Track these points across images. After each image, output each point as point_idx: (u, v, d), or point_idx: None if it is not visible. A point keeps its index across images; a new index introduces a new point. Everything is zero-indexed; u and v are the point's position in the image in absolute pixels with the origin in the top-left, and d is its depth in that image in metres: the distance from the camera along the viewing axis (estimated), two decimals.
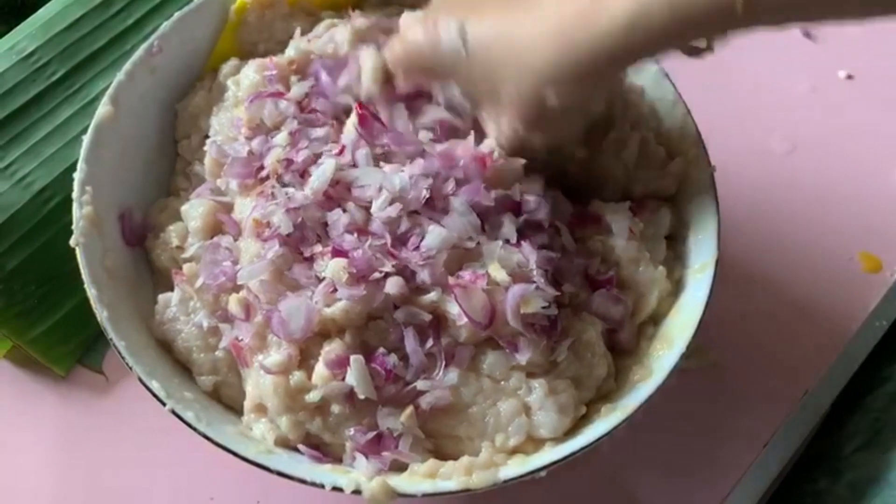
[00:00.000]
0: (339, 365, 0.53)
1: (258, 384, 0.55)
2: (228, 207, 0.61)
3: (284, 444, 0.56)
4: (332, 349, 0.54)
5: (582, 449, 0.52)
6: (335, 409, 0.54)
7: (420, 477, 0.52)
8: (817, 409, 0.71)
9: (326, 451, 0.56)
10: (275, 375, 0.54)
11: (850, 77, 0.87)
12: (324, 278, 0.54)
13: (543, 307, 0.54)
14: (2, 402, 0.69)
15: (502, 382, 0.55)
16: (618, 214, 0.60)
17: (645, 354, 0.59)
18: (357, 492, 0.51)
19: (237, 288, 0.57)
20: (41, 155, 0.70)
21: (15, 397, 0.69)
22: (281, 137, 0.60)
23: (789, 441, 0.69)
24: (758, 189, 0.79)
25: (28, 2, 0.83)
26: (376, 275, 0.54)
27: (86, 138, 0.61)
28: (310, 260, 0.56)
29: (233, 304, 0.56)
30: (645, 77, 0.67)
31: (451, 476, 0.52)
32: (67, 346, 0.69)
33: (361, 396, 0.53)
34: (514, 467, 0.53)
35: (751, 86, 0.86)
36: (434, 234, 0.55)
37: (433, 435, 0.55)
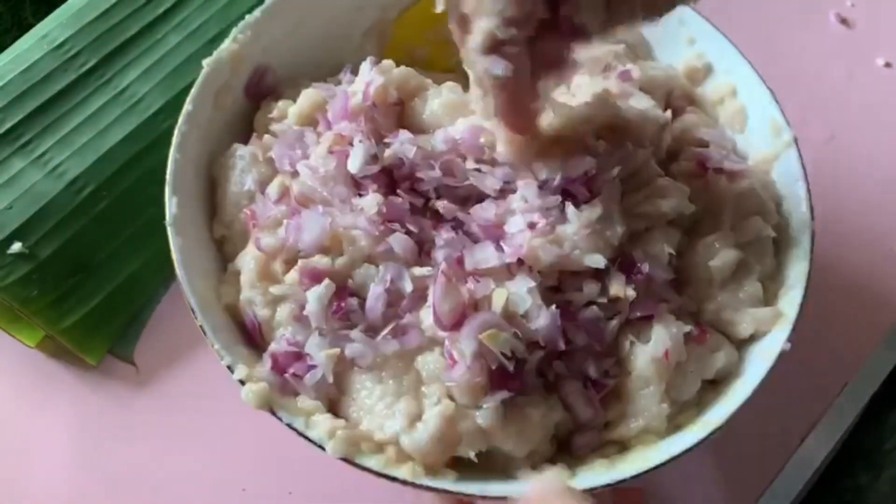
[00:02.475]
0: (312, 277, 0.55)
1: (246, 253, 0.59)
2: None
3: (232, 310, 0.58)
4: (316, 262, 0.55)
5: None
6: (283, 308, 0.56)
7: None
8: (857, 401, 0.69)
9: (261, 334, 0.57)
10: (261, 253, 0.57)
11: (888, 65, 0.86)
12: (360, 209, 0.56)
13: (504, 354, 0.51)
14: (34, 391, 0.69)
15: (422, 387, 0.53)
16: (668, 327, 0.55)
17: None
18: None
19: (294, 175, 0.60)
20: (74, 144, 0.70)
21: (46, 387, 0.69)
22: None
23: (828, 435, 0.68)
24: None
25: None
26: (398, 227, 0.55)
27: None
28: (359, 187, 0.58)
29: (274, 185, 0.60)
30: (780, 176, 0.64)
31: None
32: (99, 335, 0.69)
33: (306, 313, 0.54)
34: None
35: (787, 75, 0.84)
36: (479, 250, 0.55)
37: (341, 388, 0.55)
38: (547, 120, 0.59)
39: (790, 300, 0.57)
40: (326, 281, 0.55)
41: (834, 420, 0.69)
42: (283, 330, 0.56)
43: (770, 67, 0.84)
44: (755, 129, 0.65)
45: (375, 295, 0.54)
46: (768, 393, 0.68)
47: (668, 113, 0.64)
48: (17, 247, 0.66)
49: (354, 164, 0.57)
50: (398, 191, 0.57)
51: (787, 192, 0.62)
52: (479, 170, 0.58)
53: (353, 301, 0.55)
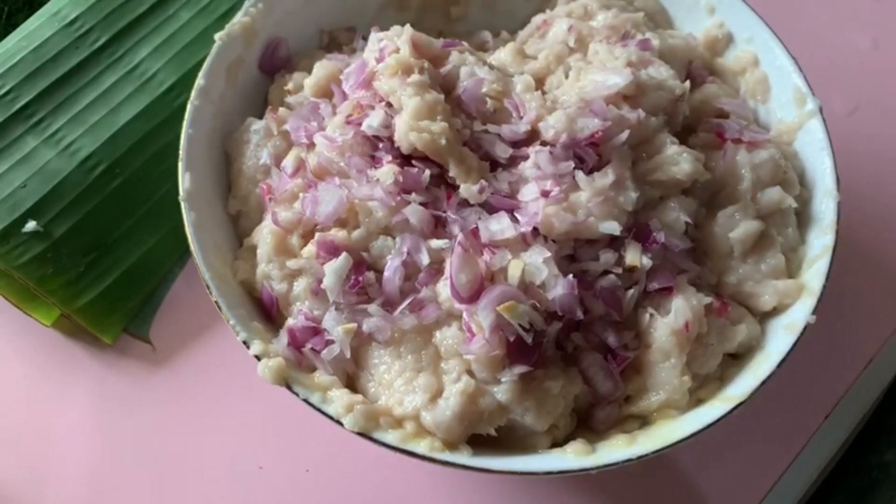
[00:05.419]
0: (329, 250, 0.55)
1: (263, 227, 0.59)
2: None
3: (248, 285, 0.58)
4: (333, 235, 0.55)
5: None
6: (300, 283, 0.56)
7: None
8: (881, 379, 0.68)
9: (278, 308, 0.57)
10: (278, 228, 0.57)
11: None
12: (375, 180, 0.56)
13: (522, 326, 0.51)
14: (51, 371, 0.69)
15: (441, 362, 0.53)
16: (687, 299, 0.54)
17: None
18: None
19: (310, 147, 0.59)
20: (86, 122, 0.69)
21: (63, 366, 0.69)
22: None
23: (852, 411, 0.67)
24: None
25: None
26: (415, 197, 0.55)
27: None
28: (374, 159, 0.57)
29: (290, 158, 0.60)
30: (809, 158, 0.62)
31: None
32: (114, 314, 0.69)
33: (323, 287, 0.54)
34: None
35: (808, 46, 0.82)
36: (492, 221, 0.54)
37: (359, 363, 0.55)
38: (564, 84, 0.59)
39: (815, 272, 0.56)
40: (344, 254, 0.54)
41: (858, 397, 0.67)
42: (301, 304, 0.56)
43: (794, 39, 0.82)
44: (778, 99, 0.64)
45: (393, 267, 0.54)
46: (792, 368, 0.68)
47: (687, 83, 0.62)
48: (31, 225, 0.66)
49: (372, 123, 0.56)
50: (413, 161, 0.56)
51: (810, 163, 0.61)
52: (486, 131, 0.57)
53: (371, 275, 0.55)
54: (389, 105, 0.57)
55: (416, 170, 0.56)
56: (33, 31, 0.72)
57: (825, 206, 0.59)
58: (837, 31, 0.84)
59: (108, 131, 0.69)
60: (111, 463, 0.66)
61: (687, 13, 0.69)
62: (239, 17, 0.63)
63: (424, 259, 0.54)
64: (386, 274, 0.54)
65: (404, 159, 0.57)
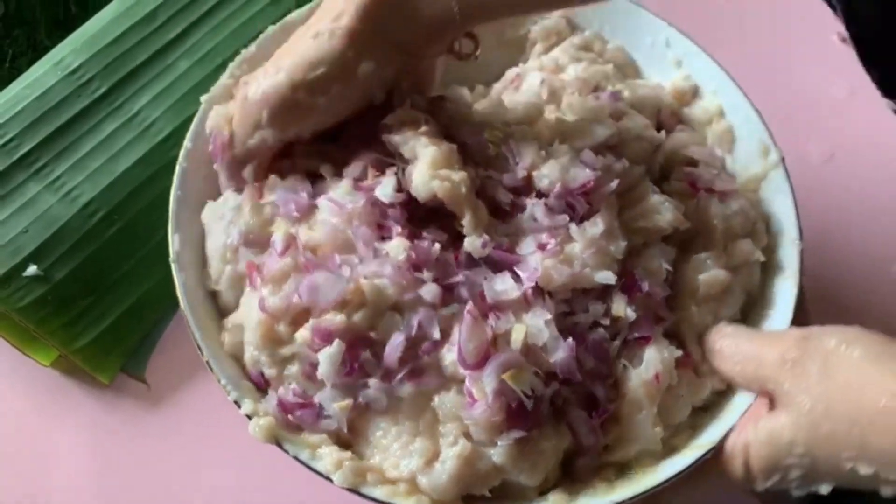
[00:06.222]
0: (324, 338, 0.53)
1: (249, 308, 0.56)
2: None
3: (237, 356, 0.57)
4: (330, 320, 0.53)
5: None
6: (292, 367, 0.55)
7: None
8: None
9: (267, 385, 0.57)
10: (266, 316, 0.55)
11: None
12: (385, 253, 0.54)
13: (524, 392, 0.51)
14: (48, 409, 0.71)
15: (439, 426, 0.54)
16: (659, 351, 0.55)
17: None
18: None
19: (302, 219, 0.56)
20: (87, 169, 0.72)
21: (60, 405, 0.71)
22: None
23: None
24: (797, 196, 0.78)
25: (72, 14, 0.85)
26: (427, 274, 0.54)
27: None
28: (381, 228, 0.55)
29: (279, 232, 0.56)
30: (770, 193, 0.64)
31: None
32: (111, 355, 0.71)
33: (319, 377, 0.53)
34: None
35: (787, 92, 0.85)
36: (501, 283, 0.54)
37: (355, 431, 0.55)
38: (545, 133, 0.61)
39: (778, 322, 0.58)
40: (337, 341, 0.53)
41: None
42: (296, 381, 0.55)
43: (770, 86, 0.85)
44: (743, 149, 0.66)
45: (395, 343, 0.53)
46: None
47: (662, 133, 0.65)
48: (32, 269, 0.68)
49: (386, 191, 0.55)
50: (423, 234, 0.55)
51: (774, 211, 0.63)
52: (490, 177, 0.57)
53: (367, 353, 0.53)
54: (402, 158, 0.57)
55: (426, 242, 0.54)
56: (36, 79, 0.74)
57: (789, 256, 0.61)
58: (815, 79, 0.86)
59: (107, 178, 0.72)
60: (106, 501, 0.67)
61: (655, 65, 0.71)
62: (223, 80, 0.62)
63: (436, 333, 0.53)
64: (388, 350, 0.53)
65: (412, 225, 0.56)
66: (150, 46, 0.77)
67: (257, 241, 0.58)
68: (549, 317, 0.53)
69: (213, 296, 0.61)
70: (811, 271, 0.74)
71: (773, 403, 0.51)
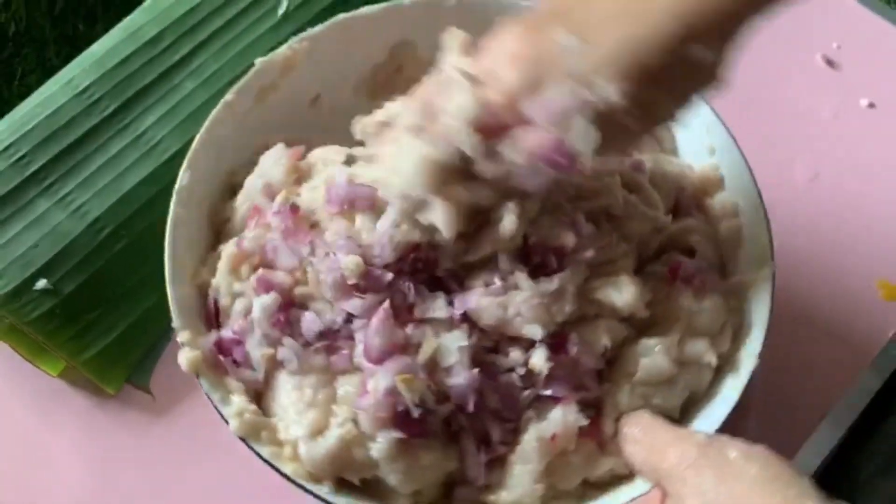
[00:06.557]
0: (265, 287, 0.58)
1: (228, 245, 0.63)
2: None
3: (203, 289, 0.62)
4: (273, 275, 0.58)
5: None
6: (238, 303, 0.60)
7: None
8: (835, 432, 0.73)
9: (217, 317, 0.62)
10: (238, 252, 0.61)
11: (871, 105, 0.89)
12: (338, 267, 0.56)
13: (413, 401, 0.53)
14: (55, 417, 0.74)
15: (335, 406, 0.56)
16: (566, 414, 0.56)
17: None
18: None
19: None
20: (95, 186, 0.74)
21: (67, 414, 0.74)
22: None
23: (806, 465, 0.71)
24: (779, 217, 0.80)
25: (80, 32, 0.88)
26: (371, 298, 0.56)
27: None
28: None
29: (281, 195, 0.61)
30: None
31: None
32: (118, 366, 0.74)
33: (250, 320, 0.58)
34: None
35: (771, 114, 0.88)
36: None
37: (268, 383, 0.59)
38: None
39: (708, 422, 0.58)
40: (273, 294, 0.57)
41: (812, 450, 0.71)
42: (235, 321, 0.60)
43: (755, 106, 0.88)
44: (745, 252, 0.65)
45: (310, 319, 0.57)
46: (747, 425, 0.72)
47: (669, 217, 0.64)
48: (42, 283, 0.71)
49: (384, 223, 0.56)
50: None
51: (748, 320, 0.62)
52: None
53: (298, 312, 0.58)
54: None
55: (379, 272, 0.56)
56: (47, 98, 0.77)
57: (747, 361, 0.59)
58: (800, 100, 0.89)
59: (114, 195, 0.74)
60: None
61: (691, 147, 0.70)
62: (208, 123, 0.66)
63: (339, 320, 0.57)
64: (304, 325, 0.57)
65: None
66: (157, 67, 0.79)
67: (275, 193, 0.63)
68: (465, 344, 0.55)
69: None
70: (794, 291, 0.78)
71: (664, 499, 0.52)
